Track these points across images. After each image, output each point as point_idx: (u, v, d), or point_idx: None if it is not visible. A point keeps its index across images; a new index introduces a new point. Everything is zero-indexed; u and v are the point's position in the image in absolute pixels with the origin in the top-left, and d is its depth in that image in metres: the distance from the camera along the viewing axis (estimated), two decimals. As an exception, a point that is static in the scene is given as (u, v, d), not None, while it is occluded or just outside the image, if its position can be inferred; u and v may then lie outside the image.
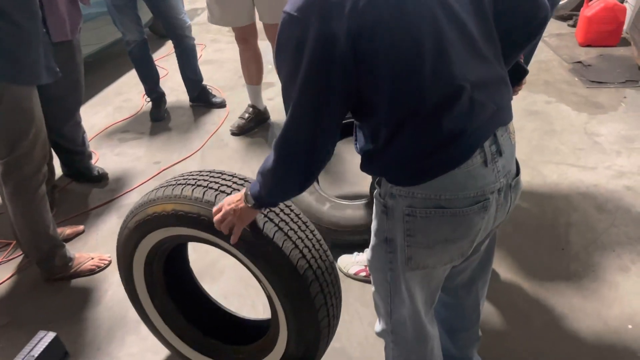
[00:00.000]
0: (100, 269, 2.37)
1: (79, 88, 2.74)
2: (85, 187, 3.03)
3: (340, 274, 2.16)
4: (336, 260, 2.22)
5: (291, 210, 1.38)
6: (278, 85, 3.68)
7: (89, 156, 3.09)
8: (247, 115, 3.48)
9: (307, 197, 2.32)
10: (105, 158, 3.33)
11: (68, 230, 2.60)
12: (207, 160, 3.21)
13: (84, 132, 2.98)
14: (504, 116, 1.12)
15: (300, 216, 1.39)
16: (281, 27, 0.97)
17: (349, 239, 2.24)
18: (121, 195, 2.93)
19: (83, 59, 2.71)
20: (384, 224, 1.14)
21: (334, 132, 1.06)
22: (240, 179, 1.38)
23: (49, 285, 2.29)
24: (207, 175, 1.38)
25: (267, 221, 1.30)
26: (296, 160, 1.07)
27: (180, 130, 3.61)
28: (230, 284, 2.22)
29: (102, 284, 2.29)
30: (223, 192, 1.31)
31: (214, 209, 1.27)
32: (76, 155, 3.00)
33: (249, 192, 1.19)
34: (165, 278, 1.59)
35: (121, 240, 1.50)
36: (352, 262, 2.19)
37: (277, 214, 1.33)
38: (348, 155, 3.01)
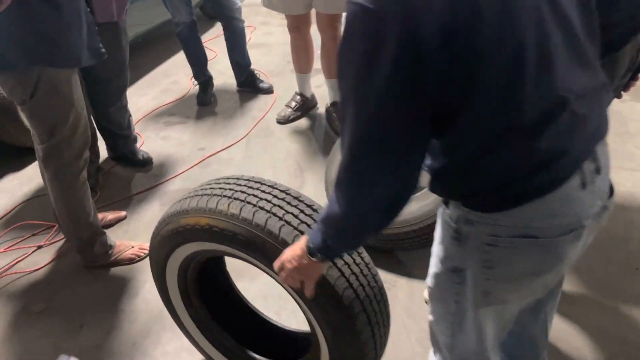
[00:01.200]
0: (140, 258, 2.31)
1: (124, 71, 2.68)
2: (129, 171, 2.99)
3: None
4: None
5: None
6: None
7: (134, 140, 3.04)
8: (294, 103, 3.35)
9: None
10: (150, 141, 3.29)
11: (110, 216, 2.56)
12: (252, 149, 3.11)
13: (130, 115, 2.94)
14: (603, 128, 0.94)
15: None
16: (350, 22, 0.78)
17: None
18: (164, 181, 2.87)
19: (129, 41, 2.64)
20: (453, 251, 0.99)
21: (422, 153, 0.87)
22: (281, 191, 1.25)
23: (88, 273, 2.26)
24: (244, 186, 1.25)
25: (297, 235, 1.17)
26: (373, 200, 0.88)
27: (226, 116, 3.52)
28: (271, 284, 2.11)
29: (140, 274, 2.23)
30: (262, 208, 1.18)
31: (275, 264, 1.10)
32: (121, 139, 2.96)
33: (311, 245, 1.00)
34: (200, 285, 1.49)
35: (154, 246, 1.41)
36: None
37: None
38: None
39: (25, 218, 2.60)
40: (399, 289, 2.02)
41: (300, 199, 1.24)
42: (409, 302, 1.96)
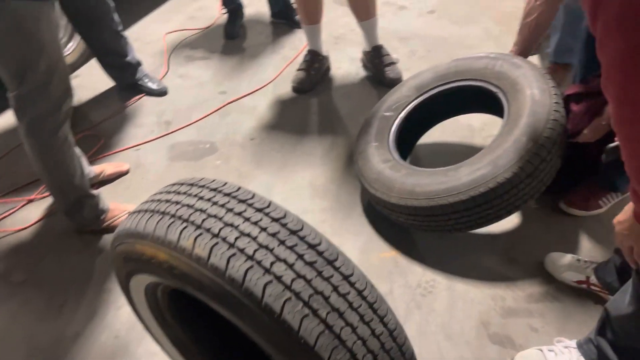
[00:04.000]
0: (137, 225, 2.00)
1: None
2: (139, 115, 2.64)
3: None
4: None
5: (359, 292, 0.84)
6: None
7: (137, 65, 2.75)
8: (305, 64, 2.71)
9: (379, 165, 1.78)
10: (166, 79, 2.90)
11: (110, 169, 2.25)
12: (279, 97, 2.68)
13: (126, 40, 2.65)
14: None
15: (365, 296, 0.85)
16: None
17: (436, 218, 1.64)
18: (177, 130, 2.51)
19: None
20: None
21: None
22: (274, 219, 0.85)
23: (78, 237, 1.98)
24: (222, 207, 0.86)
25: (307, 315, 0.78)
26: None
27: (254, 53, 3.07)
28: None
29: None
30: (242, 251, 0.80)
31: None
32: (125, 71, 2.71)
33: None
34: (175, 305, 1.15)
35: (112, 257, 1.07)
36: (570, 267, 1.63)
37: (328, 299, 0.80)
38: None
39: (19, 165, 2.32)
40: (437, 297, 1.65)
41: (299, 233, 0.85)
42: (448, 316, 1.60)
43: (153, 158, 2.36)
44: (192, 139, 2.46)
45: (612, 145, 1.27)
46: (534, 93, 1.62)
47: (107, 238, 1.97)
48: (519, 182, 1.51)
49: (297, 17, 3.20)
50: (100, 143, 2.43)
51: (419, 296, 1.65)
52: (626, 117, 0.83)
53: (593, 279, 1.56)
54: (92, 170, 2.16)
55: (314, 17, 2.58)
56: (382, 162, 1.80)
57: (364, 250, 1.83)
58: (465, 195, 1.54)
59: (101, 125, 2.57)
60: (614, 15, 0.74)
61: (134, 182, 2.24)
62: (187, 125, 2.53)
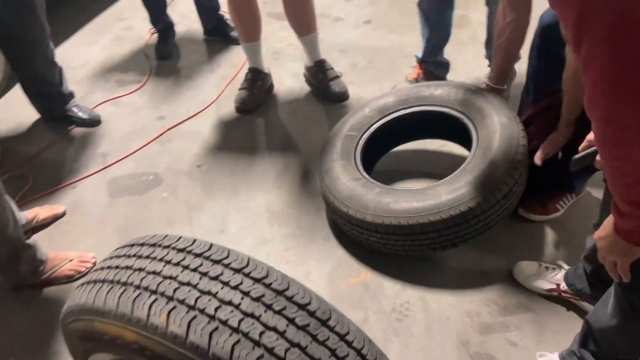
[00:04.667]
0: (81, 274, 1.83)
1: (37, 18, 2.20)
2: (70, 150, 2.43)
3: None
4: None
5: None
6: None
7: (70, 96, 2.55)
8: (247, 83, 2.58)
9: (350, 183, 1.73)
10: (98, 108, 2.69)
11: (44, 214, 2.04)
12: (223, 118, 2.55)
13: (60, 69, 2.45)
14: None
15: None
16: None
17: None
18: (115, 163, 2.33)
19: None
20: None
21: None
22: (257, 280, 0.76)
23: (15, 297, 1.77)
24: (194, 271, 0.76)
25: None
26: None
27: (190, 74, 2.92)
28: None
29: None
30: (225, 323, 0.70)
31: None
32: (54, 98, 2.50)
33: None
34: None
35: (63, 331, 0.92)
36: (539, 275, 1.62)
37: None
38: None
39: None
40: (413, 320, 1.60)
41: (287, 293, 0.76)
42: (427, 340, 1.54)
43: (92, 196, 2.17)
44: (133, 171, 2.28)
45: (578, 155, 1.27)
46: (502, 119, 1.69)
47: (49, 292, 1.78)
48: (495, 202, 1.54)
49: (233, 33, 3.08)
50: (28, 184, 2.21)
51: (395, 321, 1.60)
52: (612, 137, 0.80)
53: (563, 286, 1.56)
54: (24, 216, 1.95)
55: (253, 34, 2.48)
56: (352, 179, 1.74)
57: (332, 278, 1.75)
58: (446, 214, 1.53)
59: (29, 163, 2.34)
60: (602, 32, 0.71)
61: (72, 224, 2.04)
62: (125, 157, 2.36)
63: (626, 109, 0.76)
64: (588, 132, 1.21)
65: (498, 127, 1.68)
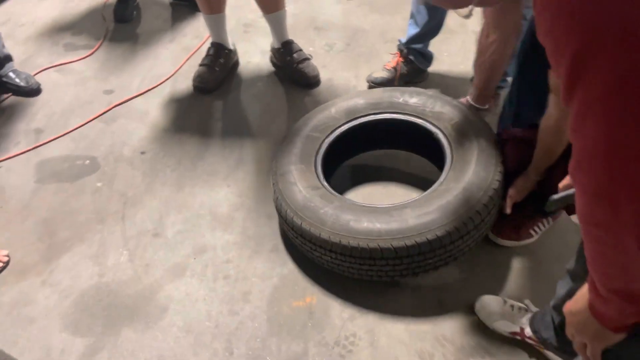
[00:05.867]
0: (-10, 273, 1.61)
1: None
2: (3, 123, 2.16)
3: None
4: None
5: None
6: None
7: (6, 59, 2.28)
8: (208, 59, 2.31)
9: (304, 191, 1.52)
10: (41, 74, 2.42)
11: (-42, 198, 1.80)
12: (178, 97, 2.30)
13: None
14: None
15: None
16: None
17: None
18: (49, 141, 2.08)
19: None
20: None
21: None
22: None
23: None
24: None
25: None
26: None
27: (149, 41, 2.64)
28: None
29: (-14, 303, 1.55)
30: None
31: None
32: None
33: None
34: None
35: None
36: (502, 315, 1.43)
37: None
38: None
39: None
40: (358, 357, 1.41)
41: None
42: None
43: (16, 179, 1.92)
44: (68, 152, 2.04)
45: (557, 196, 1.08)
46: (481, 141, 1.50)
47: (-52, 293, 1.56)
48: (465, 232, 1.36)
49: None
50: (-54, 161, 1.96)
51: (338, 357, 1.41)
52: (599, 217, 0.61)
53: (528, 331, 1.39)
54: None
55: (216, 4, 2.20)
56: (310, 188, 1.53)
57: (273, 298, 1.55)
58: (411, 240, 1.35)
59: (-51, 137, 2.09)
60: (606, 84, 0.52)
61: (-9, 212, 1.81)
62: (62, 135, 2.11)
63: (624, 188, 0.57)
64: (566, 173, 1.02)
65: (476, 150, 1.48)
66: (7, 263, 1.64)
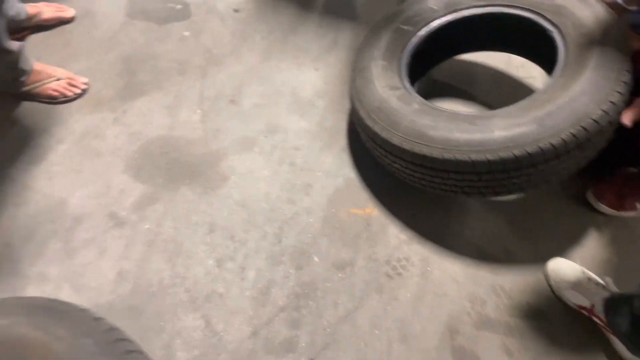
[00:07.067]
0: (66, 98, 1.60)
1: None
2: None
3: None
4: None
5: None
6: None
7: None
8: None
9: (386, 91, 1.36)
10: None
11: (49, 13, 1.76)
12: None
13: None
14: None
15: None
16: None
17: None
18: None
19: None
20: None
21: None
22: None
23: (-8, 99, 1.58)
24: None
25: None
26: None
27: None
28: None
29: (58, 126, 1.56)
30: None
31: None
32: None
33: None
34: None
35: None
36: (576, 285, 1.31)
37: None
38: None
39: None
40: (405, 282, 1.34)
41: None
42: (411, 311, 1.31)
43: (108, 8, 1.86)
44: None
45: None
46: (606, 45, 1.20)
47: (25, 108, 1.58)
48: (564, 151, 1.13)
49: None
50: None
51: (384, 277, 1.35)
52: None
53: (599, 310, 1.25)
54: (24, 9, 1.68)
55: None
56: (388, 88, 1.37)
57: (334, 200, 1.47)
58: (494, 155, 1.14)
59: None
60: None
61: (75, 36, 1.77)
62: (160, -29, 1.98)
63: None
64: None
65: (597, 52, 1.20)
66: (84, 91, 1.63)
